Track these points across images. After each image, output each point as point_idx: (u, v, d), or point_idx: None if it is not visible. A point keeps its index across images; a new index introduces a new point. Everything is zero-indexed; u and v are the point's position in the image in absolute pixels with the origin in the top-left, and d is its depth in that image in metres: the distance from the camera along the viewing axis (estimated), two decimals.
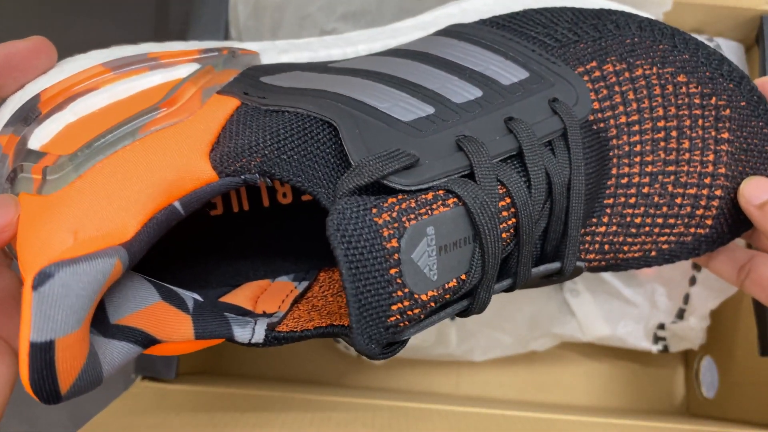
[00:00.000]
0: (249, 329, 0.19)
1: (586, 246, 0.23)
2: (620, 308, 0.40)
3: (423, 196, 0.18)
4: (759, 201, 0.23)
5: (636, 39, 0.23)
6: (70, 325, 0.15)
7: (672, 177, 0.23)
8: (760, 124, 0.24)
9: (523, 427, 0.29)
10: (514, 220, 0.19)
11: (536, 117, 0.21)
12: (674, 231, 0.24)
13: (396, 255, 0.17)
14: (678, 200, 0.24)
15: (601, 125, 0.23)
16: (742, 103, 0.24)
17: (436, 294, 0.18)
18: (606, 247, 0.23)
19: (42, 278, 0.14)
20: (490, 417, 0.30)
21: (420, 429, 0.27)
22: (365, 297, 0.16)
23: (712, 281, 0.37)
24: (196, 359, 0.38)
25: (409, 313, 0.17)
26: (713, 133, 0.24)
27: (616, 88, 0.23)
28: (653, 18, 0.24)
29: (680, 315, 0.39)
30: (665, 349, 0.40)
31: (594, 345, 0.41)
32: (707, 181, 0.24)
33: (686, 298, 0.39)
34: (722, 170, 0.24)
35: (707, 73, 0.24)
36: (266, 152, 0.17)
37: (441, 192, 0.18)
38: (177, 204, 0.17)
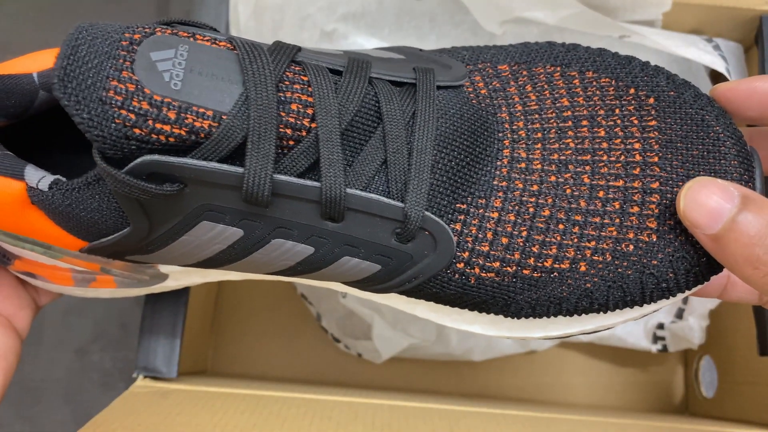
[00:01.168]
0: (38, 175, 0.20)
1: (473, 230, 0.20)
2: None
3: (197, 36, 0.19)
4: (712, 231, 0.18)
5: (535, 47, 0.23)
6: None
7: (587, 167, 0.21)
8: (701, 112, 0.21)
9: (523, 426, 0.29)
10: (310, 98, 0.19)
11: (391, 69, 0.21)
12: (604, 233, 0.20)
13: (130, 43, 0.18)
14: (600, 193, 0.20)
15: (489, 108, 0.22)
16: (671, 93, 0.22)
17: (177, 105, 0.17)
18: (504, 240, 0.20)
19: None
20: (490, 416, 0.30)
21: (420, 428, 0.28)
22: (80, 57, 0.17)
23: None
24: (197, 359, 0.38)
25: (135, 102, 0.17)
26: (635, 121, 0.21)
27: (512, 82, 0.22)
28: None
29: (679, 315, 0.39)
30: (664, 348, 0.40)
31: (593, 345, 0.42)
32: (636, 171, 0.21)
33: (685, 298, 0.39)
34: (655, 159, 0.21)
35: (623, 70, 0.22)
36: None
37: (220, 42, 0.19)
38: (34, 74, 0.21)
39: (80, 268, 0.22)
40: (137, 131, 0.17)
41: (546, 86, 0.22)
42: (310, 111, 0.19)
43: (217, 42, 0.19)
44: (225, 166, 0.18)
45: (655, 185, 0.20)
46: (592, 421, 0.31)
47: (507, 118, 0.22)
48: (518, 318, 0.22)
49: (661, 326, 0.40)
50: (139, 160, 0.17)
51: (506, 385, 0.42)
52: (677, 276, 0.20)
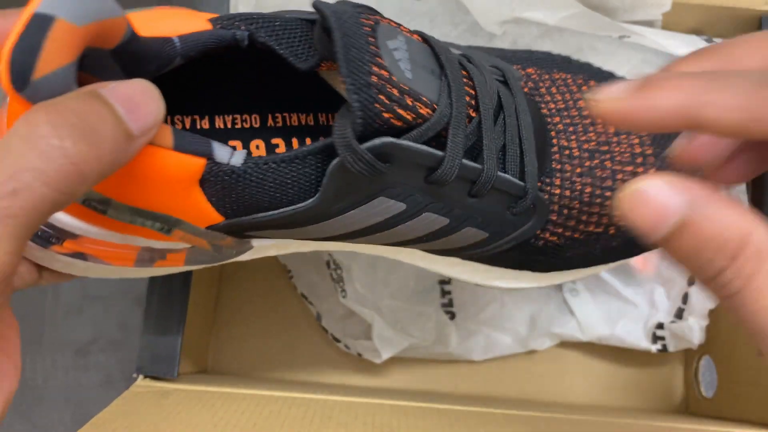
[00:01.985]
0: (228, 151, 0.20)
1: (546, 201, 0.25)
2: (619, 308, 0.40)
3: (401, 27, 0.21)
4: (659, 235, 0.16)
5: (541, 55, 0.28)
6: (74, 17, 0.15)
7: (608, 155, 0.26)
8: None
9: (523, 426, 0.29)
10: (473, 92, 0.21)
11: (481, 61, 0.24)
12: None
13: (372, 33, 0.19)
14: (619, 176, 0.25)
15: (535, 104, 0.25)
16: None
17: (412, 92, 0.19)
18: (565, 212, 0.25)
19: None
20: (489, 416, 0.30)
21: (420, 428, 0.28)
22: (350, 51, 0.18)
23: None
24: (197, 359, 0.38)
25: (389, 88, 0.18)
26: None
27: (540, 84, 0.26)
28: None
29: (679, 315, 0.39)
30: (664, 348, 0.40)
31: (593, 344, 0.42)
32: (639, 160, 0.26)
33: (685, 298, 0.39)
34: (649, 151, 0.26)
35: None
36: (255, 18, 0.21)
37: (413, 35, 0.21)
38: (176, 38, 0.20)
39: (167, 245, 0.22)
40: (386, 115, 0.19)
41: (565, 89, 0.26)
42: (473, 102, 0.21)
43: (411, 34, 0.21)
44: (432, 149, 0.20)
45: (652, 171, 0.26)
46: (592, 421, 0.31)
47: (547, 113, 0.26)
48: (549, 271, 0.27)
49: (660, 326, 0.40)
50: (379, 141, 0.19)
51: (506, 385, 0.42)
52: None
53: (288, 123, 0.25)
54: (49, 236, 0.22)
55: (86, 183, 0.15)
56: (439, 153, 0.20)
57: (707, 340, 0.40)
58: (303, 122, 0.26)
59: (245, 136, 0.25)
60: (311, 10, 0.21)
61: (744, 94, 0.14)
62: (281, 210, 0.21)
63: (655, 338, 0.40)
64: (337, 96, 0.25)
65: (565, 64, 0.28)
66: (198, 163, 0.19)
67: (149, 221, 0.21)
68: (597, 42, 0.36)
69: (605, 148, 0.26)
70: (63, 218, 0.21)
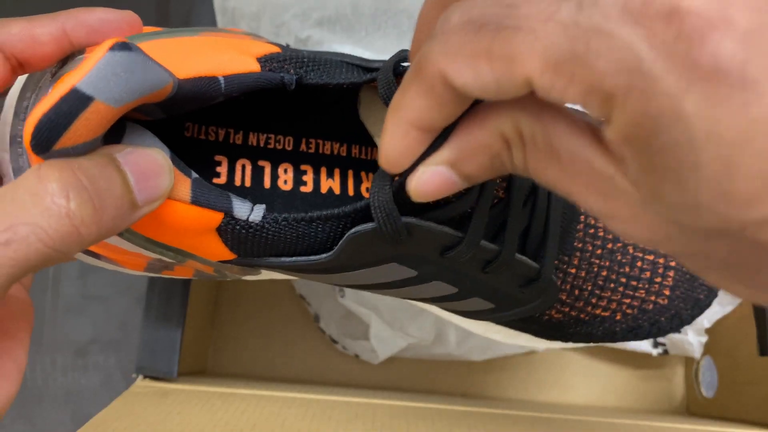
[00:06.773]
0: (248, 206, 0.19)
1: (558, 282, 0.24)
2: None
3: None
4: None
5: None
6: (112, 99, 0.15)
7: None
8: None
9: (523, 426, 0.29)
10: (505, 183, 0.21)
11: None
12: (637, 294, 0.25)
13: None
14: (639, 263, 0.25)
15: None
16: None
17: None
18: (576, 292, 0.25)
19: (122, 46, 0.14)
20: (489, 416, 0.30)
21: (419, 428, 0.28)
22: None
23: None
24: (197, 359, 0.38)
25: None
26: None
27: None
28: None
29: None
30: (665, 352, 0.40)
31: (593, 345, 0.42)
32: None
33: None
34: None
35: None
36: (304, 60, 0.20)
37: None
38: (221, 78, 0.18)
39: (166, 259, 0.22)
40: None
41: None
42: (504, 183, 0.21)
43: None
44: (451, 231, 0.20)
45: (674, 263, 0.26)
46: (592, 421, 0.31)
47: None
48: (549, 339, 0.27)
49: None
50: (402, 221, 0.19)
51: (506, 385, 0.42)
52: (672, 328, 0.26)
53: (320, 150, 0.25)
54: None
55: (83, 245, 0.15)
56: (459, 234, 0.20)
57: (708, 340, 0.40)
58: (336, 152, 0.25)
59: (275, 158, 0.24)
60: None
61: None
62: (294, 258, 0.21)
63: (656, 344, 0.40)
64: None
65: None
66: (215, 217, 0.19)
67: (163, 251, 0.21)
68: None
69: None
70: None
